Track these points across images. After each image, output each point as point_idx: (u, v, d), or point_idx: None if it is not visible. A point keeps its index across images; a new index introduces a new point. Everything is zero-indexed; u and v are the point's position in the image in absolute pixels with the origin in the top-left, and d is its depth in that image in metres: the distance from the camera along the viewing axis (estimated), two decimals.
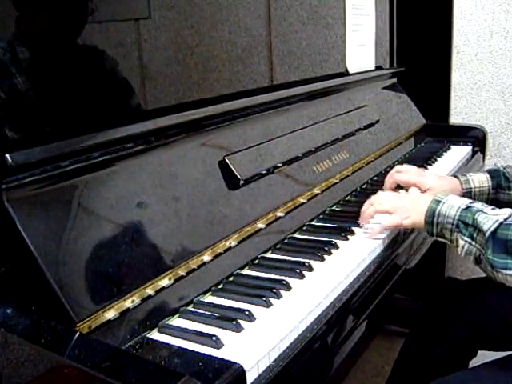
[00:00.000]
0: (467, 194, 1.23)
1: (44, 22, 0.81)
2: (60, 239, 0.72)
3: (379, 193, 1.13)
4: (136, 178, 0.87)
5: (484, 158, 1.90)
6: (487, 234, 0.89)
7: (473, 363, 1.24)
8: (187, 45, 1.04)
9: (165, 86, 0.99)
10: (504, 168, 1.24)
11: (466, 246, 0.94)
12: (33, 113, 0.78)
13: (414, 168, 1.29)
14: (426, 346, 1.27)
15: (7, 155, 0.69)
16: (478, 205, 0.96)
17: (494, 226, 0.89)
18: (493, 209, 0.94)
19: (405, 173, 1.26)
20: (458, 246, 0.96)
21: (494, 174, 1.24)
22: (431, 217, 0.99)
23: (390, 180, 1.27)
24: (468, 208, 0.95)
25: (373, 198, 1.11)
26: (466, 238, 0.94)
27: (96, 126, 0.82)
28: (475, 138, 1.88)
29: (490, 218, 0.91)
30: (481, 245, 0.91)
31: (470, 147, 1.84)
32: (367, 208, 1.10)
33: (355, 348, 0.92)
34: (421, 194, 1.10)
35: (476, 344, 1.25)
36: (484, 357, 1.16)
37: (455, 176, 1.26)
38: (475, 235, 0.92)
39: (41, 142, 0.74)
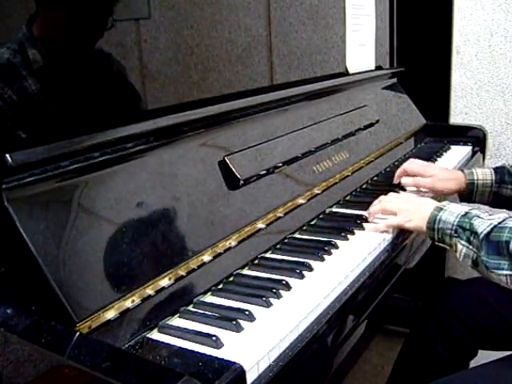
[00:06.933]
0: (470, 184, 1.29)
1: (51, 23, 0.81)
2: (60, 239, 0.72)
3: (390, 193, 1.20)
4: (136, 178, 0.87)
5: (484, 157, 1.90)
6: (481, 237, 0.94)
7: (473, 363, 1.24)
8: (187, 45, 1.04)
9: (165, 85, 0.99)
10: (511, 166, 1.29)
11: (463, 250, 0.98)
12: (33, 113, 0.78)
13: (420, 160, 1.40)
14: (426, 346, 1.27)
15: (7, 155, 0.69)
16: (475, 211, 1.00)
17: (488, 229, 0.94)
18: (490, 214, 0.99)
19: (411, 162, 1.36)
20: (456, 251, 1.00)
21: (498, 169, 1.30)
22: (433, 223, 1.03)
23: (400, 169, 1.35)
24: (466, 214, 1.00)
25: (382, 196, 1.18)
26: (463, 243, 0.98)
27: (96, 126, 0.82)
28: (475, 138, 1.88)
29: (484, 221, 0.96)
30: (477, 248, 0.96)
31: (470, 147, 1.84)
32: (375, 205, 1.16)
33: (355, 348, 0.92)
34: (426, 200, 1.14)
35: (476, 344, 1.25)
36: (484, 356, 1.16)
37: (460, 169, 1.34)
38: (472, 239, 0.97)
39: (41, 142, 0.74)
